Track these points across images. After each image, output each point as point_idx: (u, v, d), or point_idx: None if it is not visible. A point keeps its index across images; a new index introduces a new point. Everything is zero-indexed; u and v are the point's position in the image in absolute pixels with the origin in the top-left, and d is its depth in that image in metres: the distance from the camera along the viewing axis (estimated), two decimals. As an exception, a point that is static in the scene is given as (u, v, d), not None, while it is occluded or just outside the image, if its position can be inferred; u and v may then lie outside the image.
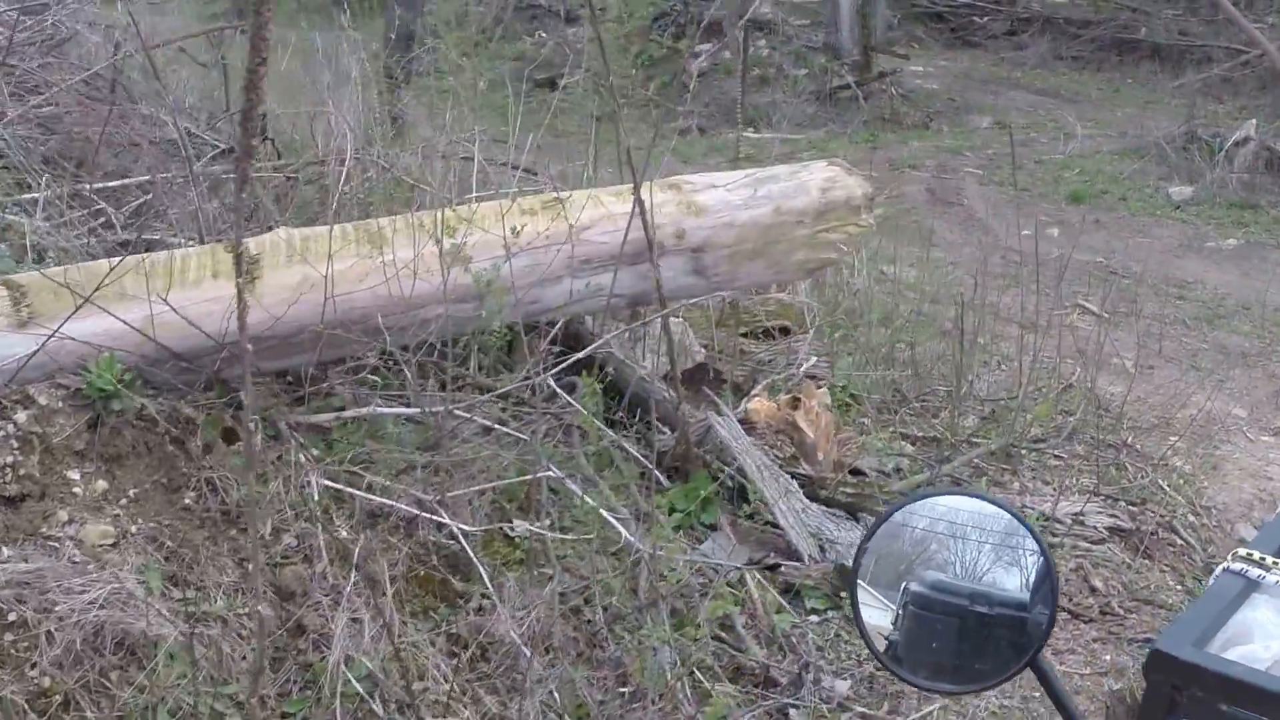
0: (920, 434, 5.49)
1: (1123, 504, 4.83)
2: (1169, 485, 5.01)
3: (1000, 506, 1.49)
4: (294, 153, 5.18)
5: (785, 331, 6.52)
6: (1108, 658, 3.49)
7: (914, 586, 1.46)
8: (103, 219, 3.93)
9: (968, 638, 1.44)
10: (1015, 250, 9.06)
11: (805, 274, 4.16)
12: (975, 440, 5.44)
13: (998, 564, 1.48)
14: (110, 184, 4.11)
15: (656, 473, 4.06)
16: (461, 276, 3.31)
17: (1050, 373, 6.48)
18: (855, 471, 4.79)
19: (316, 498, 3.15)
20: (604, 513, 3.26)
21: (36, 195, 3.88)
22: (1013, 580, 1.47)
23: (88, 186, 4.00)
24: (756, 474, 3.90)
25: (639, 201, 3.57)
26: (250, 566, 2.79)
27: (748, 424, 4.54)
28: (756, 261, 3.90)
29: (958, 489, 4.12)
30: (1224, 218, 9.45)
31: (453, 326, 3.40)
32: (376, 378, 3.50)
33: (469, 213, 3.50)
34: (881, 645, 1.50)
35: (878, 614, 1.49)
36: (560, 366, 3.55)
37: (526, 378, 3.36)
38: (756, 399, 4.68)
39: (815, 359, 5.81)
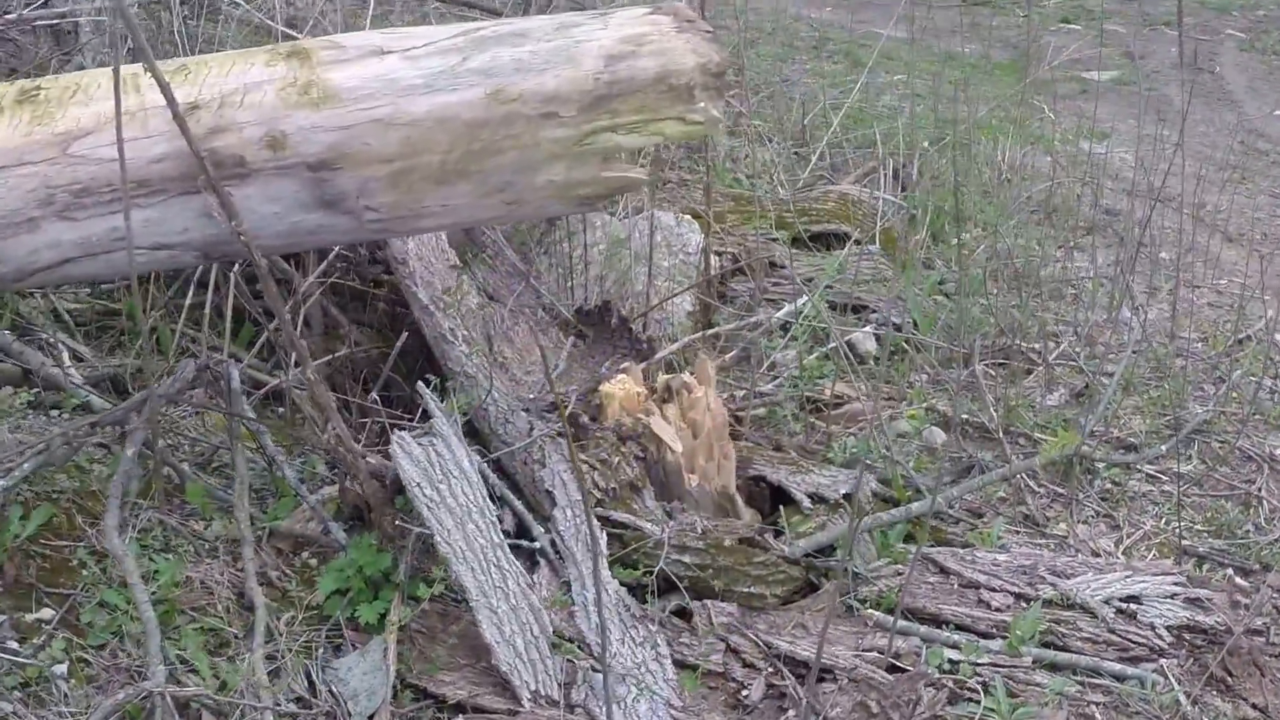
0: (965, 415, 3.63)
1: (1226, 573, 2.89)
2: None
3: None
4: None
5: (845, 238, 4.76)
6: None
7: None
8: None
9: None
10: (1261, 134, 6.81)
11: (573, 205, 2.43)
12: (1040, 436, 3.57)
13: None
14: None
15: (332, 524, 2.59)
16: None
17: (1233, 314, 4.49)
18: (786, 500, 3.03)
19: None
20: None
21: None
22: None
23: None
24: (457, 545, 2.33)
25: (162, 82, 2.05)
26: None
27: (592, 423, 2.95)
28: (456, 185, 2.26)
29: None
30: None
31: None
32: None
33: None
34: None
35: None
36: None
37: None
38: (616, 380, 3.06)
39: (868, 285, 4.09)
